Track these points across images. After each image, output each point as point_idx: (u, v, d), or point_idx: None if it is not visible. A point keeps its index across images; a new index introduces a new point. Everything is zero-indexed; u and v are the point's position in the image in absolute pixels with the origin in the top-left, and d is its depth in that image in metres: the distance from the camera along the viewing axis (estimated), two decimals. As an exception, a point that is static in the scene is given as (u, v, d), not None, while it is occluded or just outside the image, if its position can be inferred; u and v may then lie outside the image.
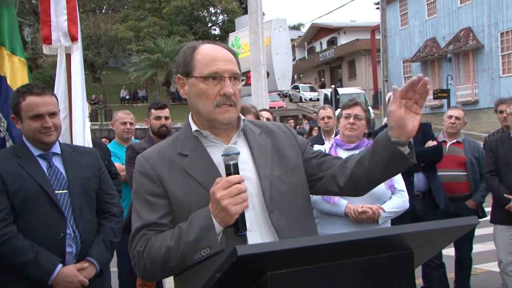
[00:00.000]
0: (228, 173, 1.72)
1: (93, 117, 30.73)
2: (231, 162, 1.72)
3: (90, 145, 3.78)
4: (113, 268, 5.08)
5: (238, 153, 1.73)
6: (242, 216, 1.71)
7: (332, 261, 1.41)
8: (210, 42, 1.96)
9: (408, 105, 1.77)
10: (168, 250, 1.70)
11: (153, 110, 4.73)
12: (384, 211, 3.51)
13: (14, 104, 2.81)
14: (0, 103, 3.40)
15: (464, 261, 5.38)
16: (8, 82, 3.42)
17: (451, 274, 5.47)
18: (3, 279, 2.70)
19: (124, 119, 5.19)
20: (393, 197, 3.65)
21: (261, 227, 1.83)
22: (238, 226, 1.71)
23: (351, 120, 3.72)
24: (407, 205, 3.71)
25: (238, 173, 1.72)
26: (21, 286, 2.68)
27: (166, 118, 4.71)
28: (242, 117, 1.97)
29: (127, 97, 37.61)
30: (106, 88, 40.64)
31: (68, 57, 3.62)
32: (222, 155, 1.73)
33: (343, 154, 3.72)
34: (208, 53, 1.88)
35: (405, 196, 3.70)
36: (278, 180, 1.90)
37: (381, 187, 3.59)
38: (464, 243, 5.29)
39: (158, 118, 4.66)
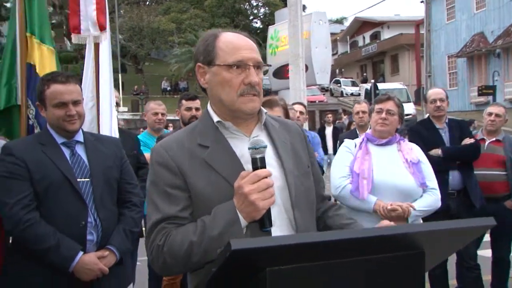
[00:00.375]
0: (255, 167, 1.67)
1: (134, 107, 31.29)
2: (258, 156, 1.67)
3: (117, 134, 3.81)
4: (144, 257, 5.17)
5: (265, 147, 1.68)
6: (268, 211, 1.67)
7: (336, 259, 1.36)
8: (230, 30, 1.91)
9: None
10: (191, 245, 1.65)
11: (184, 101, 4.72)
12: (414, 209, 3.41)
13: (39, 92, 2.84)
14: (29, 91, 3.46)
15: (501, 262, 5.19)
16: (37, 71, 3.48)
17: (487, 276, 5.28)
18: (27, 264, 2.74)
19: (155, 109, 5.22)
20: (424, 195, 3.55)
21: (283, 224, 1.80)
22: (264, 222, 1.67)
23: (383, 115, 3.63)
24: (439, 204, 3.60)
25: (265, 167, 1.67)
26: (43, 271, 2.70)
27: (197, 109, 4.70)
28: (264, 110, 1.92)
29: (168, 88, 38.04)
30: (148, 79, 41.26)
31: (97, 46, 3.63)
32: (249, 148, 1.68)
33: (374, 149, 3.64)
34: (231, 41, 1.83)
35: (437, 194, 3.59)
36: (297, 179, 1.87)
37: (412, 184, 3.49)
38: (501, 244, 5.11)
39: (188, 109, 4.65)
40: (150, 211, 1.78)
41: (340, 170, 3.65)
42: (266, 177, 1.64)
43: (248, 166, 1.73)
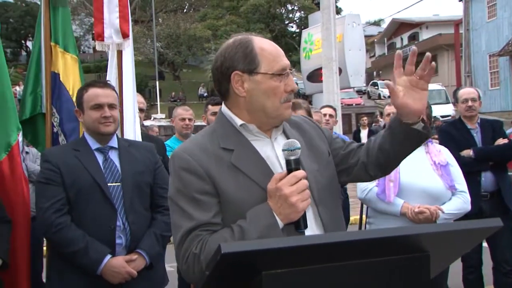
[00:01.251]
0: (289, 169, 1.67)
1: (171, 114, 31.66)
2: (292, 158, 1.68)
3: (140, 140, 3.86)
4: (174, 263, 5.21)
5: (299, 148, 1.69)
6: (304, 212, 1.68)
7: (336, 262, 1.32)
8: (254, 35, 1.87)
9: (414, 83, 1.78)
10: None
11: (210, 106, 4.74)
12: (443, 212, 3.32)
13: (78, 97, 2.99)
14: (54, 99, 3.55)
15: (540, 268, 4.98)
16: (61, 79, 3.56)
17: (527, 282, 5.08)
18: (59, 266, 2.86)
19: (182, 115, 5.26)
20: (453, 198, 3.47)
21: (312, 222, 1.78)
22: (299, 223, 1.67)
23: None
24: (469, 207, 3.51)
25: (299, 169, 1.68)
26: (76, 270, 2.79)
27: None
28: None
29: (205, 94, 38.34)
30: (185, 85, 41.72)
31: (120, 53, 3.69)
32: (283, 150, 1.69)
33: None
34: (269, 48, 1.80)
35: (467, 197, 3.49)
36: (318, 174, 1.85)
37: (441, 187, 3.41)
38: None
39: (215, 114, 4.66)
40: (178, 219, 1.72)
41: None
42: (301, 179, 1.65)
43: (274, 167, 1.76)
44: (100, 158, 2.92)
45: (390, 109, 6.08)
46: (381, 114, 25.82)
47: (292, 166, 1.67)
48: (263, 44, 1.80)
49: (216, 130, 1.83)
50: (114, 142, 3.00)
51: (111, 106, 2.92)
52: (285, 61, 1.80)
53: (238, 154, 1.75)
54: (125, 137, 3.64)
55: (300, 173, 1.66)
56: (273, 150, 1.82)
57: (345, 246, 1.31)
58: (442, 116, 21.94)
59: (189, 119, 5.25)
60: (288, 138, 1.88)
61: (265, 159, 1.78)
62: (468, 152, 4.49)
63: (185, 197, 1.71)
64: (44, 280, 3.25)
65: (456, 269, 4.54)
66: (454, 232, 1.30)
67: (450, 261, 1.54)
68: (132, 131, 3.72)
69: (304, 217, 1.67)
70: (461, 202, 3.46)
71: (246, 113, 1.82)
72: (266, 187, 1.70)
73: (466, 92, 4.81)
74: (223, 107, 1.88)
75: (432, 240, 1.33)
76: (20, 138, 3.33)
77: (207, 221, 1.68)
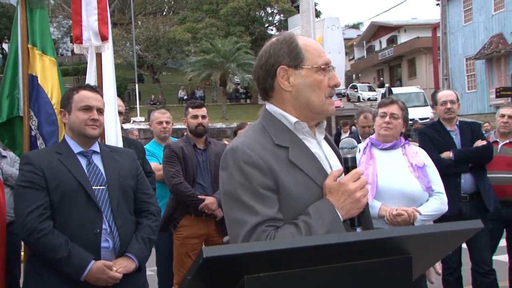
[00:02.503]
0: (346, 166, 1.74)
1: (150, 117, 31.43)
2: (349, 156, 1.74)
3: (121, 144, 3.82)
4: (154, 267, 5.17)
5: (356, 147, 1.76)
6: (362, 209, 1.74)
7: (318, 265, 1.32)
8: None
9: None
10: None
11: (190, 109, 4.73)
12: (420, 214, 3.34)
13: (66, 97, 2.96)
14: (32, 102, 3.49)
15: (519, 268, 5.06)
16: (39, 82, 3.50)
17: (505, 282, 5.15)
18: (38, 270, 2.80)
19: (159, 118, 5.23)
20: (430, 199, 3.48)
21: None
22: (354, 220, 1.72)
23: (387, 119, 3.58)
24: (446, 208, 3.52)
25: (356, 167, 1.75)
26: (56, 274, 2.74)
27: (203, 117, 4.69)
28: None
29: (185, 97, 38.17)
30: (165, 88, 41.52)
31: (99, 56, 3.65)
32: (342, 148, 1.76)
33: (378, 153, 3.59)
34: (312, 44, 1.86)
35: (443, 198, 3.51)
36: None
37: (418, 189, 3.43)
38: (518, 250, 4.98)
39: (195, 117, 4.65)
40: (241, 214, 1.67)
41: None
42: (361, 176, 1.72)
43: (324, 165, 1.81)
44: (83, 162, 2.89)
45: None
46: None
47: (349, 164, 1.74)
48: (306, 41, 1.87)
49: (266, 128, 1.83)
50: (96, 147, 2.98)
51: (99, 111, 2.92)
52: (327, 57, 1.86)
53: (293, 151, 1.77)
54: (106, 141, 3.61)
55: (361, 170, 1.74)
56: (320, 149, 1.87)
57: (327, 249, 1.30)
58: (421, 119, 22.17)
59: (167, 122, 5.21)
60: (328, 140, 1.98)
61: (316, 157, 1.82)
62: (448, 154, 4.54)
63: (249, 191, 1.68)
64: (21, 285, 3.19)
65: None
66: (436, 234, 1.30)
67: (432, 263, 1.55)
68: (114, 135, 3.68)
69: (362, 213, 1.73)
70: (438, 203, 3.47)
71: (292, 109, 1.84)
72: (321, 184, 1.74)
73: (445, 94, 4.86)
74: (269, 106, 1.89)
75: (414, 242, 1.33)
76: None
77: (273, 217, 1.66)
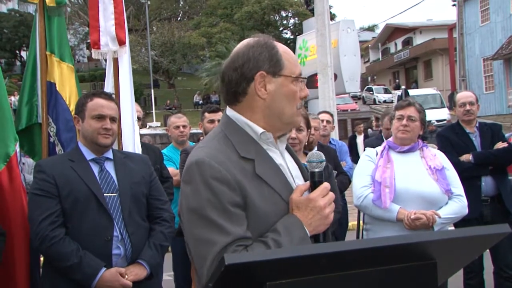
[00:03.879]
0: (313, 181, 1.68)
1: (167, 122, 31.64)
2: (317, 170, 1.68)
3: (139, 149, 3.82)
4: (170, 272, 5.18)
5: (324, 161, 1.69)
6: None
7: (341, 271, 1.30)
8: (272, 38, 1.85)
9: None
10: None
11: (206, 114, 4.73)
12: (439, 217, 3.30)
13: (80, 104, 2.96)
14: (50, 109, 3.52)
15: (541, 272, 4.96)
16: (57, 89, 3.53)
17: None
18: (53, 279, 2.82)
19: (176, 123, 5.24)
20: (449, 202, 3.44)
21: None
22: (319, 237, 1.68)
23: (404, 121, 3.55)
24: (466, 211, 3.48)
25: (322, 182, 1.67)
26: (70, 283, 2.76)
27: (219, 121, 4.68)
28: None
29: (201, 102, 38.32)
30: (181, 93, 41.72)
31: (116, 61, 3.66)
32: (309, 161, 1.68)
33: (396, 157, 3.55)
34: (289, 52, 1.79)
35: (463, 201, 3.47)
36: None
37: (437, 192, 3.39)
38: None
39: (211, 121, 4.65)
40: (208, 233, 1.57)
41: (361, 179, 3.57)
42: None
43: (288, 177, 1.74)
44: (95, 169, 2.90)
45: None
46: (377, 119, 25.88)
47: (316, 178, 1.67)
48: (284, 48, 1.79)
49: (229, 137, 1.73)
50: (109, 154, 2.99)
51: (112, 119, 2.92)
52: (300, 67, 1.81)
53: (259, 164, 1.68)
54: (124, 147, 3.61)
55: (328, 185, 1.66)
56: (283, 160, 1.80)
57: (351, 255, 1.28)
58: (438, 121, 21.98)
59: (184, 126, 5.22)
60: (290, 152, 1.90)
61: (281, 169, 1.76)
62: (467, 157, 4.48)
63: (217, 209, 1.58)
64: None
65: (456, 274, 4.51)
66: (461, 239, 1.27)
67: (457, 269, 1.52)
68: (131, 141, 3.68)
69: (327, 230, 1.68)
70: (458, 206, 3.43)
71: (261, 117, 1.74)
72: (287, 198, 1.67)
73: (464, 96, 4.79)
74: (231, 112, 1.79)
75: (439, 247, 1.31)
76: (18, 148, 3.30)
77: (243, 235, 1.57)
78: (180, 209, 1.70)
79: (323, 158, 1.68)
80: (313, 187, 1.68)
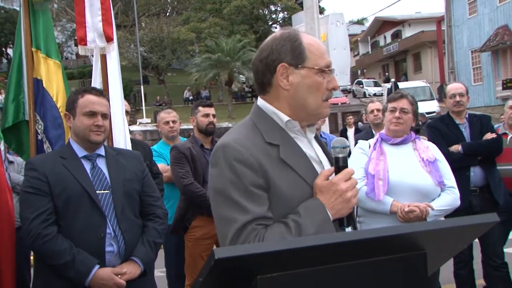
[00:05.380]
0: (337, 166, 1.71)
1: (157, 118, 31.49)
2: (341, 155, 1.71)
3: (130, 145, 3.80)
4: (162, 268, 5.16)
5: (348, 147, 1.73)
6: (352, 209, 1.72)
7: (332, 264, 1.30)
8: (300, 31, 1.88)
9: None
10: None
11: (200, 108, 4.69)
12: (432, 209, 3.31)
13: (71, 101, 2.92)
14: (37, 106, 3.48)
15: (530, 261, 5.01)
16: (44, 85, 3.49)
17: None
18: (46, 277, 2.80)
19: (166, 118, 5.20)
20: (442, 194, 3.45)
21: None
22: (343, 220, 1.71)
23: (397, 113, 3.55)
24: (458, 202, 3.49)
25: (347, 167, 1.71)
26: (63, 282, 2.74)
27: (214, 116, 4.67)
28: None
29: (191, 97, 38.20)
30: (171, 89, 41.55)
31: (104, 58, 3.63)
32: (334, 147, 1.72)
33: (389, 149, 3.56)
34: (316, 44, 1.81)
35: (456, 193, 3.48)
36: None
37: (430, 184, 3.40)
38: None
39: (206, 115, 4.61)
40: (230, 212, 1.65)
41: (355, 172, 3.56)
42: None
43: (315, 164, 1.78)
44: (87, 166, 2.87)
45: (373, 105, 6.10)
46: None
47: (340, 163, 1.71)
48: (310, 40, 1.81)
49: (257, 125, 1.80)
50: (101, 150, 2.96)
51: (104, 116, 2.89)
52: (329, 59, 1.81)
53: (284, 150, 1.74)
54: (114, 143, 3.59)
55: (352, 170, 1.70)
56: (311, 148, 1.84)
57: (341, 247, 1.28)
58: (427, 113, 22.07)
59: (173, 121, 5.19)
60: (318, 141, 1.94)
61: (308, 156, 1.80)
62: (457, 148, 4.51)
63: (239, 189, 1.65)
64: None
65: (446, 264, 4.54)
66: (450, 229, 1.28)
67: (446, 258, 1.53)
68: (122, 137, 3.66)
69: (351, 213, 1.71)
70: (450, 198, 3.44)
71: (287, 107, 1.80)
72: (311, 183, 1.72)
73: (454, 87, 4.82)
74: (261, 102, 1.85)
75: (429, 238, 1.31)
76: (2, 147, 3.26)
77: (263, 215, 1.64)
78: (208, 191, 1.79)
79: (347, 143, 1.71)
80: (337, 172, 1.72)
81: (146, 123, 26.99)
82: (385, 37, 49.34)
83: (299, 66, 1.76)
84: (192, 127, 4.91)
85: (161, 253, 4.28)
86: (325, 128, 9.49)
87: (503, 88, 25.08)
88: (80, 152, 2.89)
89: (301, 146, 1.80)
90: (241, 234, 1.61)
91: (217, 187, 1.70)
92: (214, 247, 4.48)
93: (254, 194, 1.65)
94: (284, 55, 1.77)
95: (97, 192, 2.80)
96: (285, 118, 1.79)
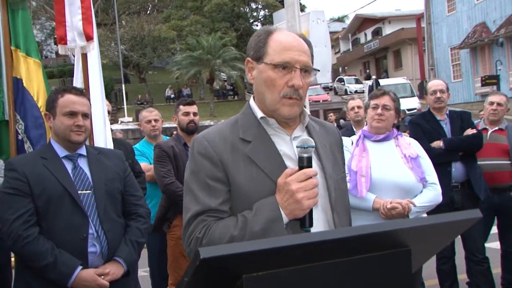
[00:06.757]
0: (301, 166, 1.67)
1: (138, 117, 31.28)
2: (305, 155, 1.68)
3: (111, 144, 3.77)
4: (146, 268, 5.14)
5: (313, 147, 1.69)
6: (310, 211, 1.67)
7: (318, 261, 1.30)
8: (284, 31, 1.90)
9: None
10: (231, 239, 1.62)
11: (181, 106, 4.67)
12: (414, 205, 3.34)
13: (51, 100, 2.89)
14: (17, 106, 3.43)
15: (510, 255, 5.08)
16: (24, 84, 3.44)
17: (497, 269, 5.18)
18: (27, 278, 2.76)
19: (148, 117, 5.17)
20: (424, 190, 3.47)
21: (320, 225, 1.79)
22: (305, 221, 1.68)
23: (379, 110, 3.56)
24: (440, 198, 3.52)
25: (311, 167, 1.68)
26: (42, 283, 2.71)
27: (195, 114, 4.66)
28: (307, 112, 1.91)
29: (172, 96, 38.02)
30: (152, 88, 41.31)
31: (84, 56, 3.59)
32: (297, 147, 1.69)
33: (371, 145, 3.57)
34: (282, 40, 1.81)
35: (438, 189, 3.51)
36: (336, 182, 1.87)
37: (412, 180, 3.42)
38: (509, 236, 5.01)
39: (186, 113, 4.60)
40: (188, 202, 1.75)
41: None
42: (312, 177, 1.65)
43: (289, 164, 1.76)
44: (69, 166, 2.84)
45: (353, 103, 6.12)
46: (349, 109, 26.12)
47: (304, 163, 1.67)
48: (280, 36, 1.82)
49: (238, 120, 1.85)
50: (82, 150, 2.93)
51: (84, 115, 2.86)
52: (293, 56, 1.77)
53: (254, 146, 1.76)
54: (95, 143, 3.55)
55: (311, 171, 1.66)
56: (291, 147, 1.82)
57: (326, 245, 1.28)
58: (408, 110, 22.28)
59: (155, 120, 5.16)
60: (312, 138, 1.87)
61: (281, 155, 1.78)
62: (438, 143, 4.55)
63: (197, 181, 1.73)
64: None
65: (429, 260, 4.60)
66: (434, 226, 1.29)
67: (430, 255, 1.54)
68: (103, 136, 3.63)
69: (310, 215, 1.68)
70: (432, 194, 3.47)
71: (258, 102, 1.85)
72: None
73: (434, 84, 4.87)
74: (251, 98, 1.90)
75: (412, 234, 1.32)
76: None
77: (215, 208, 1.69)
78: None
79: (312, 143, 1.68)
80: None
81: (128, 122, 26.78)
82: (365, 35, 49.65)
83: (260, 61, 1.81)
84: (174, 125, 4.89)
85: (144, 252, 4.27)
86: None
87: (482, 85, 25.40)
88: (61, 152, 2.85)
89: (278, 144, 1.80)
90: (191, 223, 1.70)
91: (185, 177, 1.81)
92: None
93: (210, 186, 1.71)
94: (250, 50, 1.86)
95: (79, 192, 2.77)
96: (260, 114, 1.83)
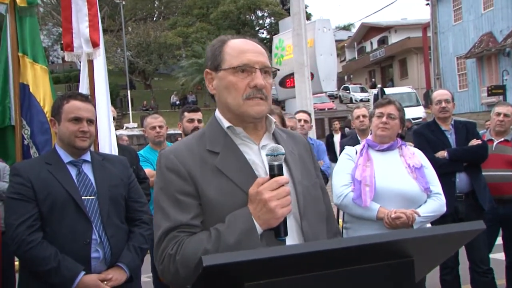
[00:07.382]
0: (272, 174, 1.64)
1: (144, 123, 31.35)
2: (276, 163, 1.64)
3: (116, 150, 3.79)
4: (149, 273, 5.13)
5: (283, 154, 1.66)
6: (284, 219, 1.64)
7: (319, 271, 1.30)
8: (240, 37, 1.88)
9: None
10: (205, 253, 1.57)
11: (186, 113, 4.71)
12: (419, 215, 3.33)
13: (56, 106, 2.91)
14: (24, 111, 3.45)
15: (515, 266, 5.06)
16: (31, 90, 3.47)
17: (502, 280, 5.15)
18: (30, 282, 2.78)
19: (152, 123, 5.18)
20: (428, 200, 3.47)
21: (294, 233, 1.75)
22: (279, 230, 1.64)
23: (384, 119, 3.56)
24: (444, 209, 3.51)
25: (282, 175, 1.64)
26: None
27: (199, 121, 4.69)
28: (273, 119, 1.89)
29: (177, 102, 38.13)
30: (157, 94, 41.44)
31: (91, 63, 3.61)
32: (267, 155, 1.65)
33: (375, 155, 3.57)
34: (237, 45, 1.81)
35: (442, 199, 3.50)
36: (306, 189, 1.83)
37: (416, 190, 3.41)
38: (514, 247, 4.98)
39: (191, 120, 4.64)
40: (159, 219, 1.70)
41: (342, 178, 3.57)
42: (284, 185, 1.62)
43: (259, 172, 1.73)
44: (73, 171, 2.86)
45: (359, 111, 6.13)
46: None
47: (275, 171, 1.63)
48: (234, 43, 1.82)
49: (205, 132, 1.83)
50: (87, 156, 2.95)
51: (89, 122, 2.88)
52: (251, 58, 1.77)
53: (223, 158, 1.73)
54: (100, 148, 3.57)
55: (282, 179, 1.62)
56: (259, 156, 1.80)
57: (328, 255, 1.28)
58: (413, 119, 22.24)
59: (160, 127, 5.17)
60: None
61: (251, 164, 1.76)
62: (442, 154, 4.54)
63: (166, 196, 1.70)
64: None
65: (432, 270, 4.57)
66: (438, 237, 1.28)
67: (434, 265, 1.54)
68: (108, 142, 3.64)
69: (284, 224, 1.64)
70: (436, 204, 3.46)
71: (222, 111, 1.83)
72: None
73: (439, 93, 4.86)
74: (217, 110, 1.88)
75: (416, 245, 1.32)
76: None
77: (186, 223, 1.66)
78: None
79: (282, 151, 1.65)
80: None
81: (133, 128, 26.85)
82: (371, 43, 49.70)
83: (218, 69, 1.80)
84: (179, 132, 4.92)
85: (147, 258, 4.27)
86: (312, 133, 9.51)
87: (488, 95, 25.34)
88: (66, 157, 2.87)
89: (246, 153, 1.77)
90: (163, 240, 1.66)
91: (153, 193, 1.79)
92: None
93: (180, 201, 1.68)
94: (207, 61, 1.86)
95: (83, 197, 2.78)
96: (226, 124, 1.80)
